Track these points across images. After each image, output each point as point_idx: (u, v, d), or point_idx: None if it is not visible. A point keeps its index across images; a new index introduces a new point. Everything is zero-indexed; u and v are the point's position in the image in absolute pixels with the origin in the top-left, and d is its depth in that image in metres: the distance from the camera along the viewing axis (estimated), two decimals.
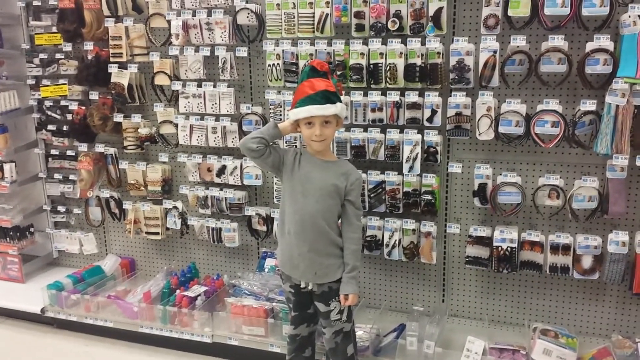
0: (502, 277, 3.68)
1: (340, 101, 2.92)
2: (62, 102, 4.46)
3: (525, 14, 3.11)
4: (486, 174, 3.40)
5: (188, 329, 3.82)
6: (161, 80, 4.07)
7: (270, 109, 3.76)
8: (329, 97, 2.86)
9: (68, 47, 4.32)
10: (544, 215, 3.41)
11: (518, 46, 3.15)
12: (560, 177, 3.29)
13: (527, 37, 3.16)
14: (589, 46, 3.05)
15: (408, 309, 3.87)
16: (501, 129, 3.25)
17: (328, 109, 2.85)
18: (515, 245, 3.37)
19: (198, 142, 4.02)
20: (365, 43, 3.45)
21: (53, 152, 4.68)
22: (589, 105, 3.12)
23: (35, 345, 4.16)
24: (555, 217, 3.40)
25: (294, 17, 3.57)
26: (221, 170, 4.03)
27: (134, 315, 3.96)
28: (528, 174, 3.46)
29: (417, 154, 3.47)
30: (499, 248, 3.38)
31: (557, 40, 3.09)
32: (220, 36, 3.79)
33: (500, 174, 3.37)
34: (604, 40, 3.02)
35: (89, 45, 4.23)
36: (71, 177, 4.62)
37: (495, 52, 3.19)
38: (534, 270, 3.42)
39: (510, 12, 3.12)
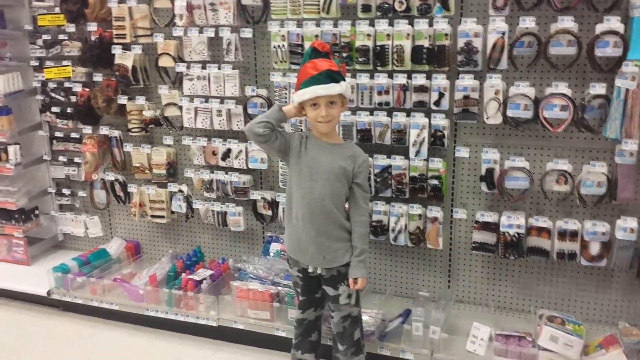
0: (508, 263, 3.64)
1: (345, 80, 2.88)
2: (66, 84, 4.44)
3: None
4: (494, 158, 3.35)
5: (193, 312, 3.82)
6: (165, 62, 4.03)
7: (275, 91, 3.72)
8: (333, 77, 2.81)
9: (71, 28, 4.27)
10: (552, 201, 3.37)
11: (527, 28, 3.09)
12: (569, 162, 3.24)
13: (536, 18, 3.09)
14: (599, 28, 2.99)
15: (413, 295, 3.85)
16: (509, 113, 3.20)
17: (333, 89, 2.81)
18: (523, 231, 3.33)
19: (203, 125, 3.99)
20: (372, 24, 3.40)
21: (57, 134, 4.67)
22: (599, 88, 3.06)
23: (40, 328, 4.18)
24: (563, 203, 3.36)
25: None
26: (226, 154, 4.00)
27: (139, 298, 3.96)
28: (536, 158, 3.41)
29: (424, 138, 3.43)
30: (506, 234, 3.35)
31: (567, 22, 3.03)
32: (225, 17, 3.73)
33: (508, 159, 3.33)
34: (614, 22, 2.95)
35: (92, 26, 4.18)
36: (76, 159, 4.61)
37: (503, 33, 3.12)
38: (541, 257, 3.38)
39: None
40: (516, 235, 3.33)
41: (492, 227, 3.42)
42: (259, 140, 2.96)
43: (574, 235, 3.26)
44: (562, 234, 3.28)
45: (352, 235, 2.98)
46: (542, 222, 3.32)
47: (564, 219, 3.30)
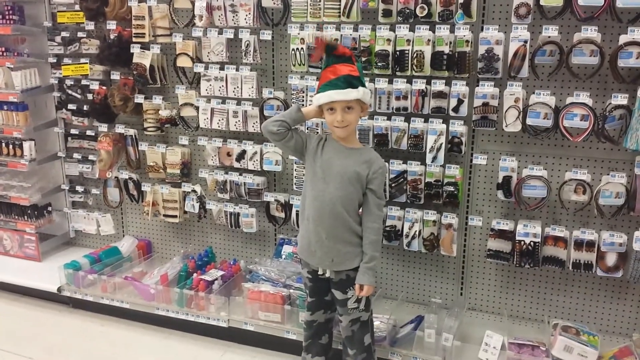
0: (522, 272, 3.62)
1: (364, 86, 2.87)
2: (83, 82, 4.45)
3: (558, 4, 3.03)
4: (511, 166, 3.34)
5: (204, 312, 3.81)
6: (183, 62, 4.03)
7: (292, 94, 3.72)
8: (351, 82, 2.81)
9: (90, 26, 4.29)
10: (569, 211, 3.35)
11: (549, 36, 3.08)
12: (588, 172, 3.23)
13: (559, 27, 3.08)
14: (623, 39, 2.97)
15: (425, 301, 3.85)
16: (529, 121, 3.19)
17: (349, 94, 2.80)
18: (539, 240, 3.31)
19: (219, 126, 3.99)
20: (392, 29, 3.39)
21: (73, 131, 4.68)
22: (620, 99, 3.04)
23: (50, 324, 4.18)
24: (580, 213, 3.34)
25: (320, 1, 3.50)
26: (241, 155, 4.00)
27: (150, 297, 3.96)
28: (554, 167, 3.39)
29: (441, 144, 3.42)
30: (522, 242, 3.33)
31: (590, 32, 3.02)
32: (245, 19, 3.74)
33: (526, 167, 3.32)
34: (638, 33, 2.93)
35: (111, 25, 4.19)
36: (90, 157, 4.62)
37: (525, 42, 3.12)
38: (557, 266, 3.36)
39: (542, 2, 3.04)
40: (532, 244, 3.31)
41: (507, 235, 3.40)
42: (273, 138, 2.98)
43: (590, 245, 3.24)
44: (579, 244, 3.26)
45: (363, 241, 2.96)
46: (559, 231, 3.30)
47: (581, 229, 3.29)
